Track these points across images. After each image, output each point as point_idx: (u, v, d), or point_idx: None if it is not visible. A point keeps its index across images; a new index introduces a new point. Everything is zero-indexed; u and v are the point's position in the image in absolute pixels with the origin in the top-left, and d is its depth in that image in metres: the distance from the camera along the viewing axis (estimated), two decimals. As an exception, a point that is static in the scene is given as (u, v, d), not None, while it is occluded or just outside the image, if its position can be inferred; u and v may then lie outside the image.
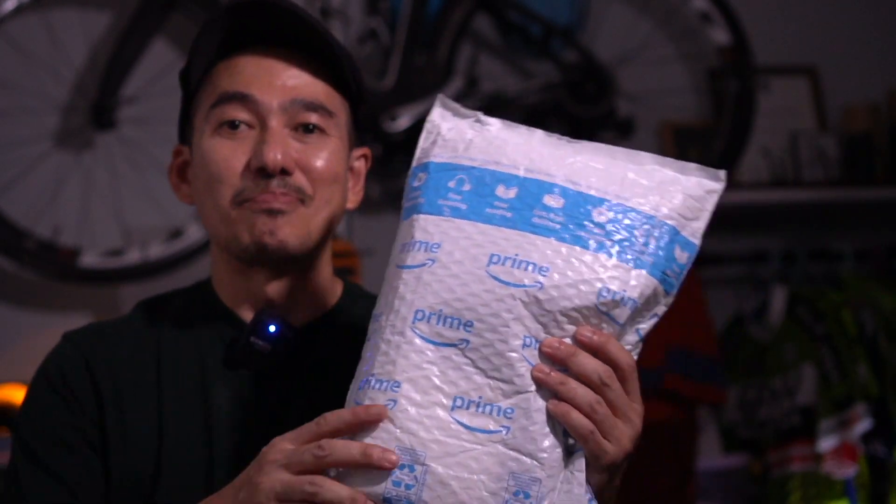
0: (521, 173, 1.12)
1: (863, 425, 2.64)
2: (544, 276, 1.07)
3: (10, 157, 2.71)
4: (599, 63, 2.91)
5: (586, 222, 1.09)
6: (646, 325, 1.13)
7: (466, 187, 1.12)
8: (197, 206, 1.34)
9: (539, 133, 1.16)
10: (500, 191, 1.11)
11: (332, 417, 1.07)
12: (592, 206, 1.10)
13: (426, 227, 1.11)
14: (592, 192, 1.11)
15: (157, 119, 2.75)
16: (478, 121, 1.17)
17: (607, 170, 1.13)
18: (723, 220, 3.08)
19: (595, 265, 1.08)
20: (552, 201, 1.10)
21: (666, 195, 1.12)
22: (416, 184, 1.16)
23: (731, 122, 2.89)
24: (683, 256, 1.12)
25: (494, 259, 1.08)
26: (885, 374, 2.77)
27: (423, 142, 1.18)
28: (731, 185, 2.90)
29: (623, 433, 1.10)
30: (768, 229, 3.16)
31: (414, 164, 1.18)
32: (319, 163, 1.29)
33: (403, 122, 2.75)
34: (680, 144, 3.03)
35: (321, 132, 1.30)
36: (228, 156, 1.28)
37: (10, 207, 2.63)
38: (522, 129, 1.16)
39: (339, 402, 1.11)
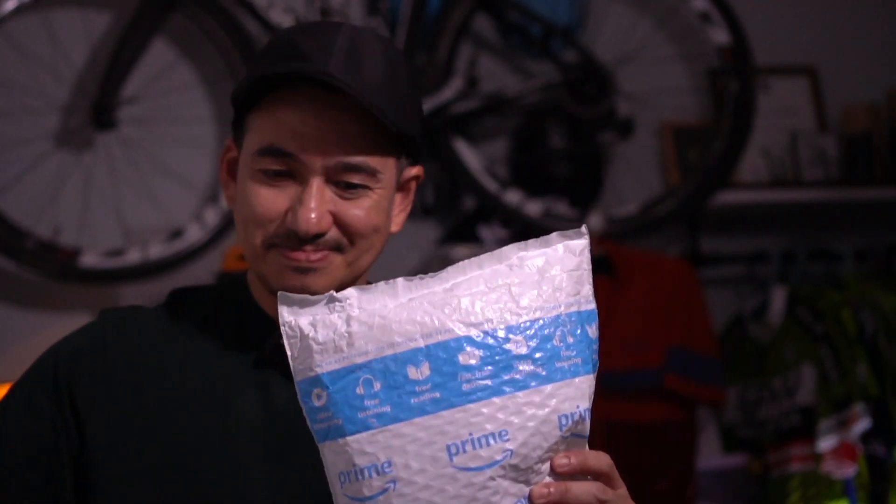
0: (422, 343, 1.02)
1: (862, 425, 2.63)
2: (508, 440, 1.01)
3: (10, 157, 2.71)
4: (599, 63, 2.91)
5: (511, 362, 1.02)
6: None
7: (377, 387, 1.02)
8: (236, 222, 1.32)
9: (400, 282, 1.06)
10: (413, 373, 1.02)
11: None
12: (507, 341, 1.03)
13: (363, 448, 1.01)
14: (500, 327, 1.03)
15: (157, 119, 2.76)
16: (332, 300, 1.05)
17: (491, 290, 1.05)
18: (723, 220, 3.11)
19: (542, 400, 1.03)
20: (469, 359, 1.02)
21: (552, 283, 1.06)
22: (317, 403, 1.04)
23: (731, 122, 2.89)
24: (593, 329, 1.08)
25: (453, 450, 1.01)
26: (884, 374, 2.77)
27: (293, 351, 1.05)
28: (732, 185, 2.94)
29: None
30: (768, 229, 3.16)
31: (297, 378, 1.05)
32: (358, 219, 1.26)
33: (403, 122, 2.75)
34: (680, 144, 3.02)
35: (364, 188, 1.26)
36: (265, 203, 1.25)
37: (10, 207, 2.63)
38: (381, 286, 1.06)
39: None
